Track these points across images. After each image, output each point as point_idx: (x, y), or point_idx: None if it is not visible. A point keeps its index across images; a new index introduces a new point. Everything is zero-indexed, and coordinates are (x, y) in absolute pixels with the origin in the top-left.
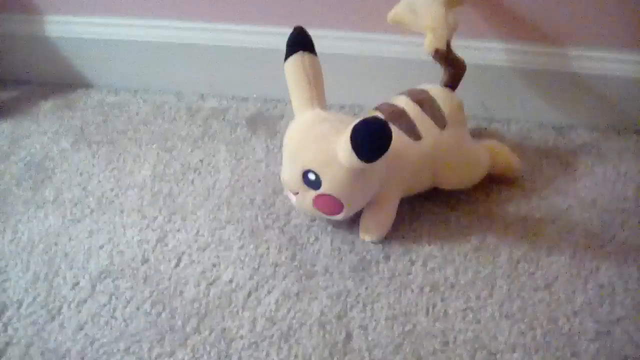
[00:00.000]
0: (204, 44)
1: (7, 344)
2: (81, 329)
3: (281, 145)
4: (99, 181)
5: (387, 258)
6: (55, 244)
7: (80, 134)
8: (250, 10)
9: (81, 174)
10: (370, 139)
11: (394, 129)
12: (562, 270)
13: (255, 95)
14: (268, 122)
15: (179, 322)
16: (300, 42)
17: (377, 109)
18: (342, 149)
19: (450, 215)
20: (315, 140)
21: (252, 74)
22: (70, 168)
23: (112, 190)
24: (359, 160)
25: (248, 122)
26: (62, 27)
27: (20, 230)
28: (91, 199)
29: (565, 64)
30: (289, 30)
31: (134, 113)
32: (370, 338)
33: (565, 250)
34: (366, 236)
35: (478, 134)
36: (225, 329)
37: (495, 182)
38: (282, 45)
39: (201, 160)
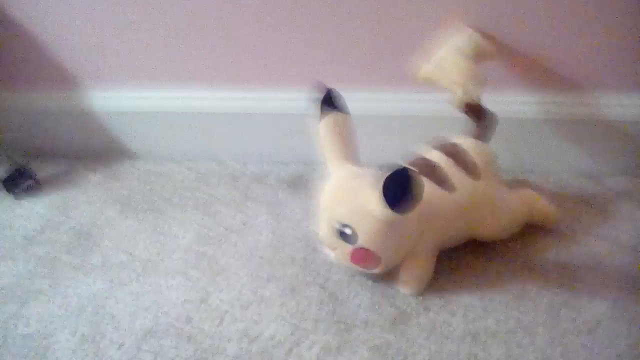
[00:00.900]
0: (240, 109)
1: None
2: None
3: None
4: (145, 246)
5: (426, 310)
6: (102, 307)
7: (126, 202)
8: (287, 77)
9: (127, 240)
10: (401, 189)
11: (426, 181)
12: (604, 315)
13: (295, 159)
14: (308, 183)
15: None
16: (331, 102)
17: (409, 164)
18: (375, 201)
19: (488, 265)
20: (349, 195)
21: (292, 139)
22: (117, 235)
23: (157, 254)
24: (390, 211)
25: (288, 184)
26: (106, 101)
27: (69, 295)
28: (137, 263)
29: (597, 112)
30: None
31: (179, 181)
32: None
33: (607, 295)
34: (405, 289)
35: (515, 185)
36: None
37: (533, 231)
38: (318, 109)
39: (243, 223)
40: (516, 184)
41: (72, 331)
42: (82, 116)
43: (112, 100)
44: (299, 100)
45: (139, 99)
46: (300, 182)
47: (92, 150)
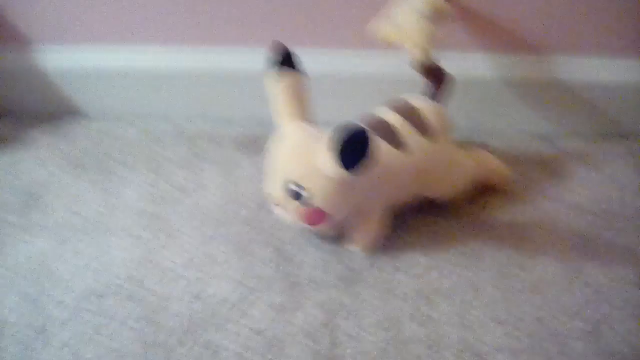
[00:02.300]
0: (192, 68)
1: None
2: (66, 345)
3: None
4: (94, 206)
5: (372, 266)
6: (41, 265)
7: (76, 162)
8: (235, 33)
9: (76, 201)
10: (355, 148)
11: (380, 141)
12: (548, 271)
13: (243, 117)
14: (256, 142)
15: (162, 336)
16: (281, 56)
17: (363, 123)
18: (328, 161)
19: (437, 223)
20: (302, 154)
21: (241, 96)
22: (59, 192)
23: (99, 211)
24: (344, 171)
25: (236, 142)
26: (56, 59)
27: (7, 252)
28: (78, 220)
29: (551, 73)
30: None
31: (129, 141)
32: (355, 345)
33: (551, 252)
34: (352, 246)
35: (466, 145)
36: (209, 340)
37: (485, 192)
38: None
39: (188, 180)
40: (470, 144)
41: (15, 291)
42: (32, 74)
43: (63, 58)
44: (253, 59)
45: (90, 58)
46: (253, 142)
47: (42, 109)
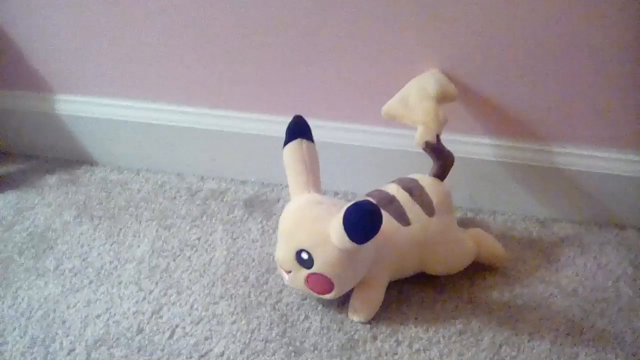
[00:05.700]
0: (206, 128)
1: None
2: None
3: (276, 227)
4: (99, 253)
5: (374, 338)
6: (54, 311)
7: (82, 208)
8: (251, 99)
9: (82, 246)
10: (362, 221)
11: (384, 214)
12: (542, 355)
13: (253, 179)
14: (265, 204)
15: None
16: (299, 129)
17: (368, 195)
18: (335, 230)
19: (436, 299)
20: (309, 222)
21: (251, 159)
22: (71, 240)
23: (111, 262)
24: (350, 242)
25: (245, 203)
26: (70, 105)
27: (20, 296)
28: (90, 270)
29: (550, 160)
30: (288, 119)
31: (136, 191)
32: None
33: (546, 336)
34: (354, 316)
35: (465, 223)
36: None
37: (480, 269)
38: (281, 133)
39: (198, 238)
40: (467, 222)
41: (21, 333)
42: (46, 118)
43: (77, 105)
44: (263, 122)
45: (104, 106)
46: (258, 202)
47: (53, 153)
